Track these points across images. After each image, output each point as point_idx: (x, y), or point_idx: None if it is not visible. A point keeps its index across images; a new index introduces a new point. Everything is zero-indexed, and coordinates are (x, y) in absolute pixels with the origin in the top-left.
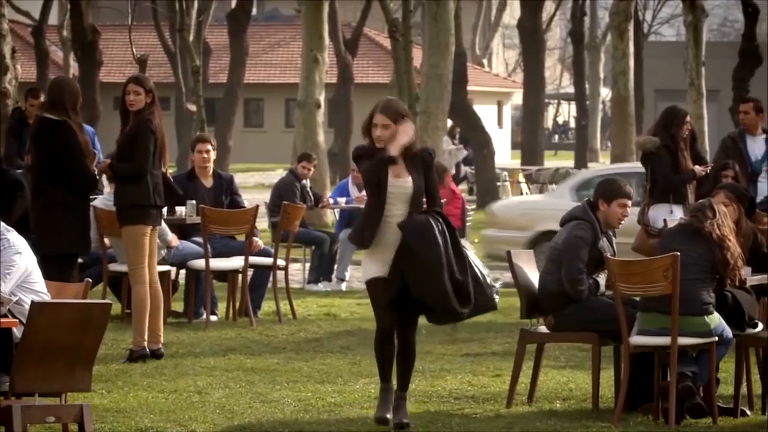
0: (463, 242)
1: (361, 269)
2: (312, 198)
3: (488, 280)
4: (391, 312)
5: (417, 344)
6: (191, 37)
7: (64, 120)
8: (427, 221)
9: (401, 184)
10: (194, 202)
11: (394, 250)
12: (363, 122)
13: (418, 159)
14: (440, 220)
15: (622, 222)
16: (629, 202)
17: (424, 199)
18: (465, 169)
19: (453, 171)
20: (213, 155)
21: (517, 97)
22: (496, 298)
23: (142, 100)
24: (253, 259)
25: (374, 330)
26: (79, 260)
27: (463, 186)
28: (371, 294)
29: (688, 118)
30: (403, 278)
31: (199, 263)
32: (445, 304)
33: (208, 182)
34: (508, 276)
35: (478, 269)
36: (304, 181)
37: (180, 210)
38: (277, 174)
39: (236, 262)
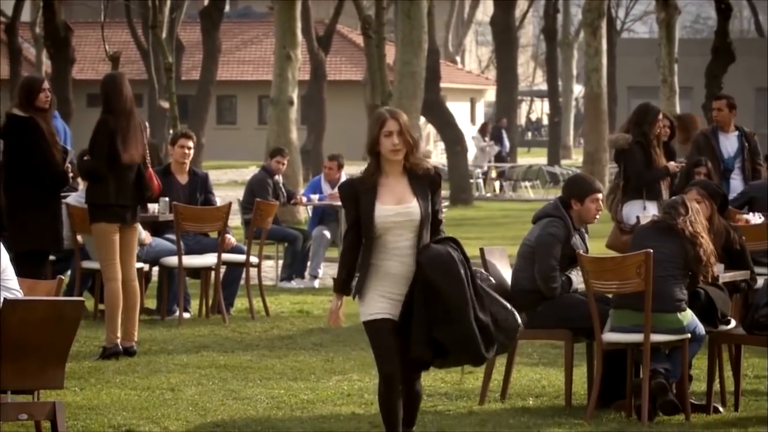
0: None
1: (359, 303)
2: (285, 194)
3: (507, 307)
4: (397, 356)
5: None
6: (164, 34)
7: (31, 117)
8: (448, 253)
9: (405, 210)
10: (167, 199)
11: (404, 286)
12: (368, 139)
13: (425, 179)
14: (457, 248)
15: (598, 216)
16: (601, 196)
17: None
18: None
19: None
20: (192, 152)
21: (490, 94)
22: (518, 322)
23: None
24: (226, 256)
25: (348, 327)
26: (51, 257)
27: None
28: (372, 335)
29: (660, 116)
30: (415, 317)
31: (172, 260)
32: (470, 348)
33: (184, 179)
34: None
35: (496, 298)
36: (277, 177)
37: (153, 207)
38: (250, 171)
39: (209, 259)
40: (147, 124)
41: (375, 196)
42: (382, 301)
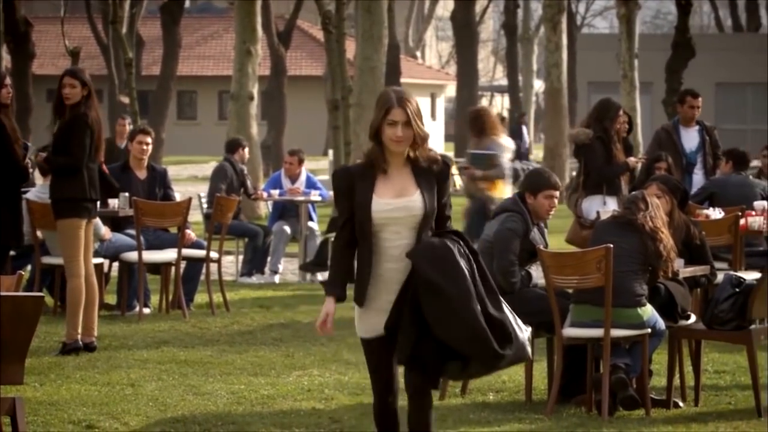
0: None
1: (356, 315)
2: (250, 185)
3: (517, 324)
4: (394, 371)
5: (350, 336)
6: (124, 30)
7: None
8: (444, 244)
9: (406, 203)
10: (127, 194)
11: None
12: (372, 123)
13: (431, 170)
14: (459, 241)
15: (551, 213)
16: (557, 193)
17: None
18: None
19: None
20: (151, 148)
21: (451, 90)
22: (528, 347)
23: (78, 93)
24: (186, 252)
25: (308, 322)
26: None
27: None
28: (369, 355)
29: (621, 111)
30: (404, 319)
31: (133, 256)
32: (481, 345)
33: (142, 174)
34: None
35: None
36: (241, 166)
37: (113, 202)
38: (211, 166)
39: (169, 254)
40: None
41: (372, 187)
42: (377, 315)
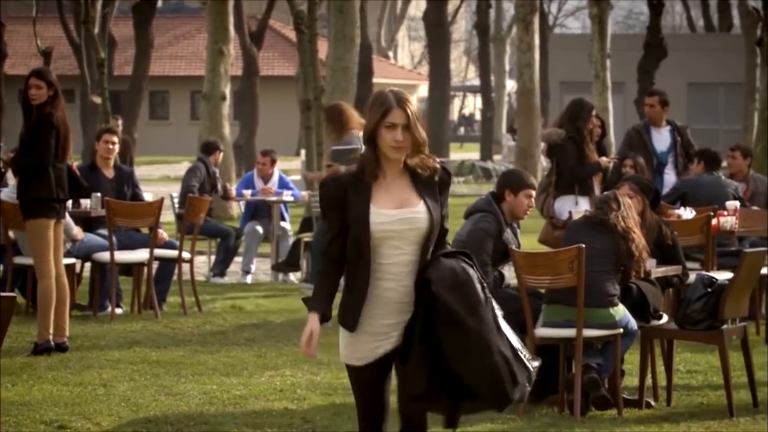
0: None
1: (341, 336)
2: (220, 187)
3: (523, 356)
4: (384, 414)
5: (322, 336)
6: (96, 30)
7: None
8: (464, 270)
9: (408, 215)
10: (99, 194)
11: (398, 314)
12: (366, 125)
13: (432, 179)
14: (472, 265)
15: (528, 212)
16: (534, 193)
17: None
18: None
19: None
20: (118, 148)
21: (423, 90)
22: (528, 386)
23: (44, 93)
24: (158, 252)
25: (280, 323)
26: None
27: None
28: (355, 385)
29: (594, 112)
30: (415, 352)
31: (104, 256)
32: (496, 387)
33: (110, 173)
34: None
35: (512, 339)
36: (213, 168)
37: (85, 203)
38: (183, 166)
39: (141, 254)
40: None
41: (369, 197)
42: (370, 340)
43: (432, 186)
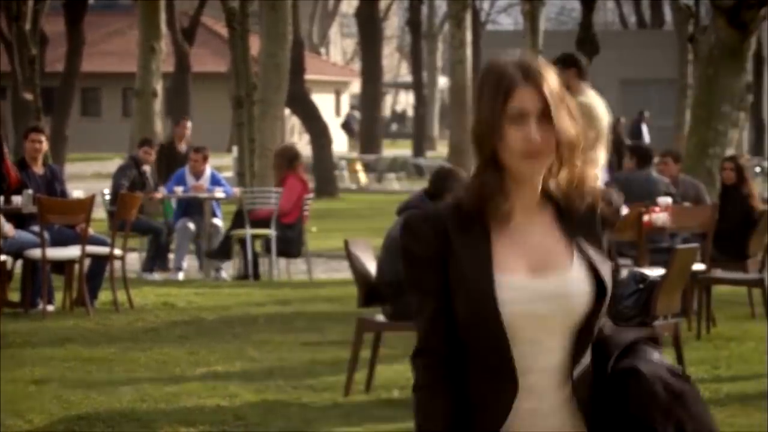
0: None
1: None
2: (153, 185)
3: None
4: None
5: (254, 333)
6: (28, 26)
7: None
8: (684, 380)
9: (555, 287)
10: (31, 191)
11: None
12: (477, 121)
13: (592, 215)
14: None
15: None
16: None
17: None
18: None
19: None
20: (45, 145)
21: (355, 86)
22: None
23: None
24: (90, 249)
25: (212, 320)
26: None
27: None
28: None
29: None
30: None
31: (36, 253)
32: None
33: (40, 170)
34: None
35: None
36: (144, 167)
37: (16, 200)
38: (115, 163)
39: (73, 251)
40: None
41: (489, 252)
42: None
43: (591, 227)
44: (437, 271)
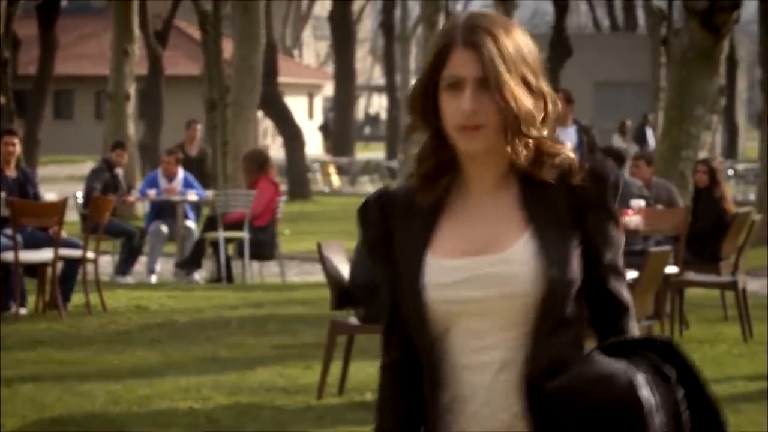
0: None
1: None
2: (125, 187)
3: None
4: None
5: (227, 336)
6: (0, 29)
7: None
8: (629, 386)
9: (492, 266)
10: (3, 194)
11: None
12: (416, 82)
13: (561, 194)
14: (661, 375)
15: None
16: None
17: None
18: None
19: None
20: (17, 148)
21: (328, 89)
22: None
23: None
24: (62, 252)
25: (185, 323)
26: None
27: None
28: None
29: None
30: None
31: (8, 255)
32: None
33: (13, 173)
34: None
35: None
36: (117, 170)
37: None
38: (88, 166)
39: (46, 254)
40: None
41: (429, 235)
42: None
43: (558, 205)
44: (386, 256)
